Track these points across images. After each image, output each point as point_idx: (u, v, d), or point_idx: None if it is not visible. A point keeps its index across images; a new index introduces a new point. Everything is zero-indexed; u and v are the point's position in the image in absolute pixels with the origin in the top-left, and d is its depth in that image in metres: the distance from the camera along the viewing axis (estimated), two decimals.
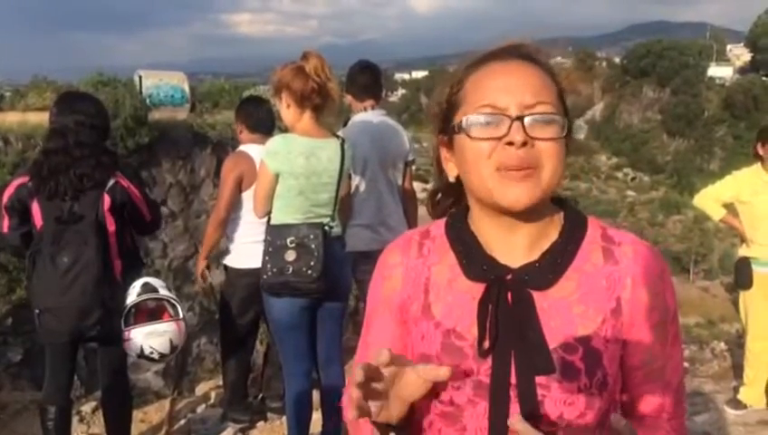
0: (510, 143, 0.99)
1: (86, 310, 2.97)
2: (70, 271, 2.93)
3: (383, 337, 1.17)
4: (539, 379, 1.00)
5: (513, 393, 1.01)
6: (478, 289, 1.05)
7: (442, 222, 1.17)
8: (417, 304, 1.12)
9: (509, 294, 1.04)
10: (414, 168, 4.20)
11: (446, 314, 1.08)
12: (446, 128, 1.09)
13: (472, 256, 1.08)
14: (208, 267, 4.03)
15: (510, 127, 0.99)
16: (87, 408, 4.53)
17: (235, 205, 3.77)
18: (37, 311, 3.03)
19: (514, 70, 1.04)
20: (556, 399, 1.00)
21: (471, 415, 1.03)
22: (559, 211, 1.11)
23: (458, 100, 1.07)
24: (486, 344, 1.02)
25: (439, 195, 1.22)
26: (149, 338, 2.99)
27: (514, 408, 1.00)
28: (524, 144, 0.98)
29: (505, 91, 1.01)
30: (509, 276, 1.05)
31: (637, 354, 1.07)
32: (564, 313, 1.03)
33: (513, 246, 1.07)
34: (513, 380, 1.01)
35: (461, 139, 1.04)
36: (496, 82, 1.03)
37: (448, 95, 1.10)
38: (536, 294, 1.04)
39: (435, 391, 1.02)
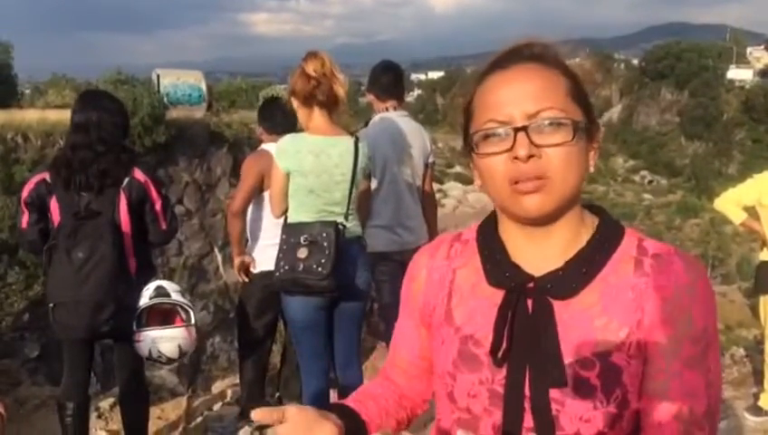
0: (516, 158, 0.96)
1: (100, 304, 2.96)
2: (85, 265, 2.92)
3: (405, 339, 1.21)
4: (552, 392, 0.96)
5: (527, 405, 0.98)
6: (500, 296, 1.03)
7: (476, 226, 1.15)
8: (440, 309, 1.10)
9: (529, 303, 1.00)
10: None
11: (467, 319, 1.06)
12: (467, 139, 1.07)
13: (495, 262, 1.06)
14: (243, 265, 3.86)
15: (514, 139, 0.96)
16: (105, 404, 4.54)
17: (257, 204, 3.76)
18: (51, 305, 3.01)
19: (515, 77, 1.00)
20: (571, 414, 0.96)
21: (486, 425, 1.01)
22: (594, 220, 1.07)
23: (470, 113, 1.05)
24: (500, 353, 0.99)
25: None
26: (158, 342, 2.98)
27: (528, 420, 0.97)
28: (531, 156, 0.95)
29: (506, 102, 0.98)
30: (530, 284, 1.01)
31: (651, 366, 0.99)
32: (585, 326, 0.98)
33: (541, 256, 1.03)
34: (528, 391, 0.98)
35: (474, 153, 1.03)
36: (497, 94, 1.00)
37: (463, 107, 1.08)
38: (557, 305, 0.99)
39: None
